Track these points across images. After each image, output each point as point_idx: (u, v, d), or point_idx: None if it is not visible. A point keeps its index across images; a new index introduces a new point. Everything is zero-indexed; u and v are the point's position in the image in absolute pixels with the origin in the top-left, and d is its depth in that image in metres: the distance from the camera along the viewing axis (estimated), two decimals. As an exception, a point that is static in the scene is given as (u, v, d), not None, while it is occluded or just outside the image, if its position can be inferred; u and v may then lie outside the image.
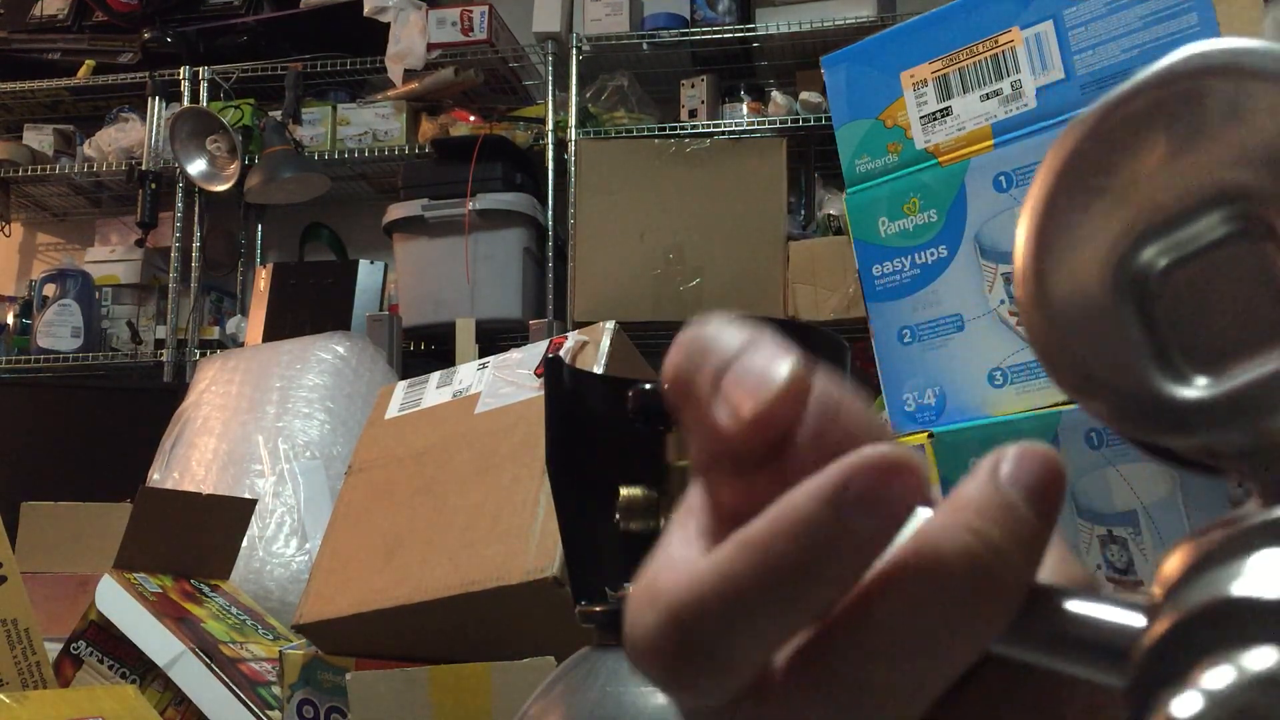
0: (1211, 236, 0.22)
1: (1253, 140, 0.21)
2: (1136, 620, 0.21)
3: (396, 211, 3.09)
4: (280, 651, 0.95)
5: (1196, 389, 0.23)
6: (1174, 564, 0.22)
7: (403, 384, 1.06)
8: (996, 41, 0.90)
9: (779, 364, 0.24)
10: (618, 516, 0.46)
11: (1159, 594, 0.21)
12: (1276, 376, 0.21)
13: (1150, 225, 0.23)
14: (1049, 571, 0.24)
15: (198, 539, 1.21)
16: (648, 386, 0.47)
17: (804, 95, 3.07)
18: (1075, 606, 0.22)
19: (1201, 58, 0.22)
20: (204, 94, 3.45)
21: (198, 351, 3.34)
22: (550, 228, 3.16)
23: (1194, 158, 0.22)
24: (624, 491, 0.47)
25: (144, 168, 3.43)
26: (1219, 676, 0.19)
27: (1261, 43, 0.22)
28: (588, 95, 3.21)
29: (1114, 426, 0.25)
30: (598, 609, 0.47)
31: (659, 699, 0.43)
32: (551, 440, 0.50)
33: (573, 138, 3.13)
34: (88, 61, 3.56)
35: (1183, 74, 0.22)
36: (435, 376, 1.04)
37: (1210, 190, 0.22)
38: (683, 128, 3.16)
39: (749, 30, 3.19)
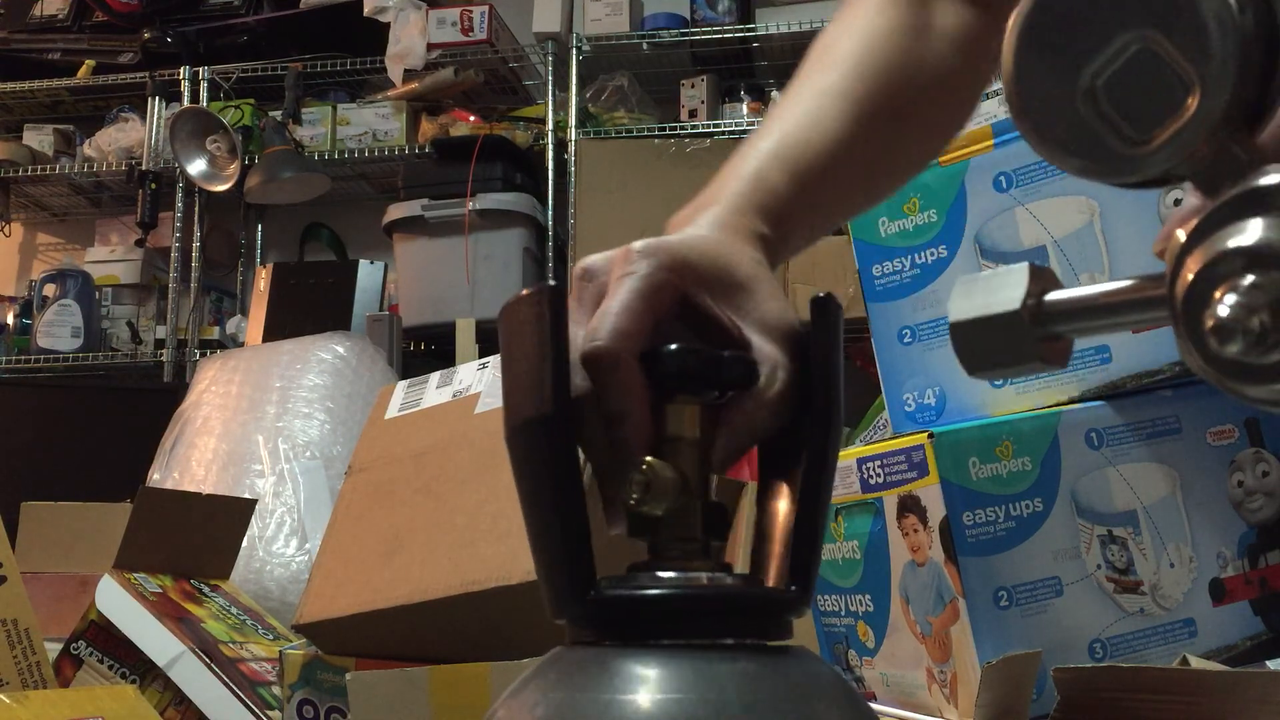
0: (1127, 53, 0.35)
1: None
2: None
3: (396, 211, 3.09)
4: (280, 651, 0.95)
5: (1142, 146, 0.35)
6: (1172, 236, 0.34)
7: (403, 384, 1.06)
8: (996, 41, 0.90)
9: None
10: (635, 495, 0.44)
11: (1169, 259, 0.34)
12: (1186, 127, 0.34)
13: (1087, 54, 0.36)
14: None
15: (198, 539, 1.21)
16: (674, 348, 0.45)
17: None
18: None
19: None
20: (204, 94, 3.45)
21: (198, 351, 3.34)
22: (550, 228, 3.16)
23: (1102, 13, 0.35)
24: (650, 464, 0.44)
25: (144, 168, 3.43)
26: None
27: None
28: (588, 95, 3.21)
29: (1094, 179, 0.37)
30: (591, 600, 0.44)
31: (635, 703, 0.40)
32: (554, 389, 0.43)
33: (573, 138, 3.13)
34: (88, 61, 3.56)
35: None
36: (435, 376, 1.04)
37: (1118, 28, 0.35)
38: (683, 128, 3.16)
39: (749, 30, 3.19)
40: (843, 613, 0.92)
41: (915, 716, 0.85)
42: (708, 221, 0.54)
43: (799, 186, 0.58)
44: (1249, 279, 0.31)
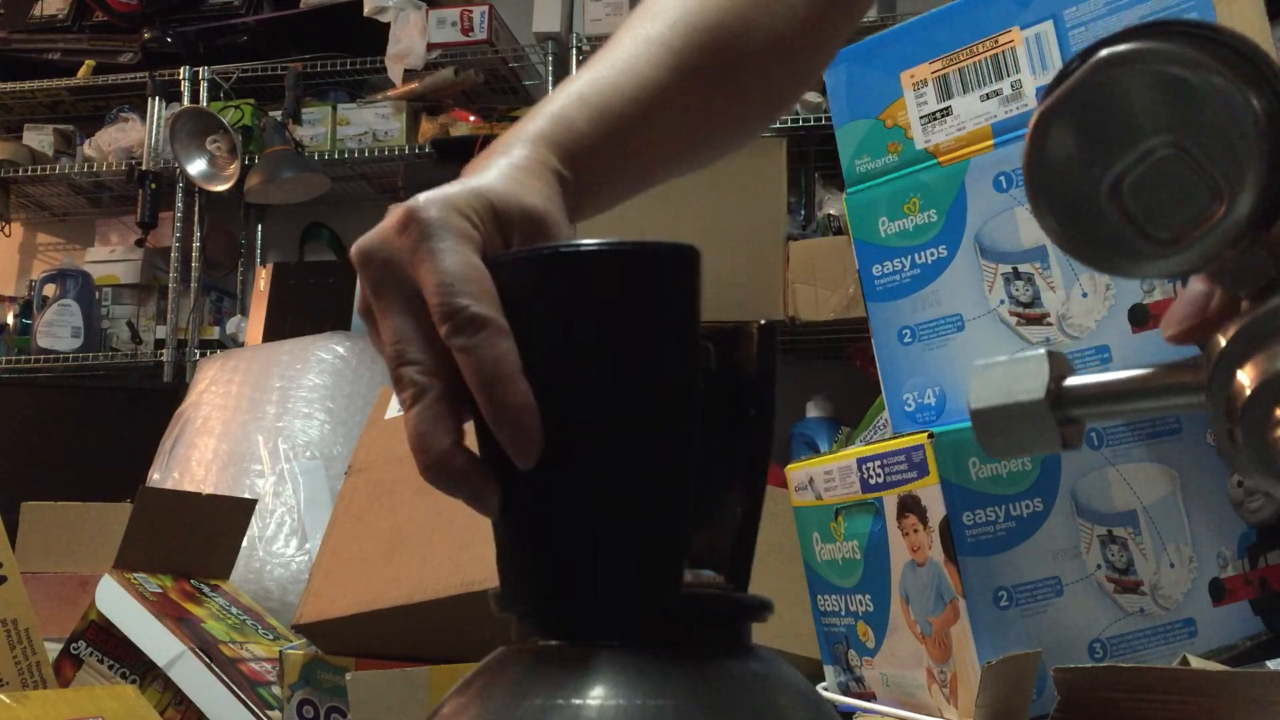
0: (1156, 156, 0.36)
1: (1157, 102, 0.36)
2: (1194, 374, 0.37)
3: (396, 211, 3.09)
4: (280, 651, 0.95)
5: (1167, 246, 0.36)
6: (1208, 332, 0.36)
7: (403, 384, 1.06)
8: (996, 41, 0.90)
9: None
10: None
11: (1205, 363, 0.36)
12: (1214, 231, 0.35)
13: (1115, 153, 0.36)
14: None
15: (198, 539, 1.21)
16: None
17: (804, 95, 3.07)
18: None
19: (1116, 54, 0.36)
20: (204, 94, 3.45)
21: (198, 351, 3.34)
22: (550, 228, 3.16)
23: (1131, 116, 0.36)
24: None
25: (144, 168, 3.43)
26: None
27: (1152, 42, 0.36)
28: (588, 95, 3.21)
29: (1109, 273, 0.39)
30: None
31: (586, 710, 0.38)
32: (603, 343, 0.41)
33: (573, 138, 3.12)
34: (88, 61, 3.56)
35: (1105, 64, 0.36)
36: (435, 376, 1.04)
37: (1148, 133, 0.36)
38: (683, 128, 3.15)
39: (749, 30, 3.18)
40: (843, 613, 0.92)
41: (915, 716, 0.85)
42: (502, 164, 0.50)
43: (604, 130, 0.56)
44: None
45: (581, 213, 0.55)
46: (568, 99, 0.57)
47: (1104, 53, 0.36)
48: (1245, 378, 0.34)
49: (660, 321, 0.41)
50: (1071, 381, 0.39)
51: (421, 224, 0.44)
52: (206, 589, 1.20)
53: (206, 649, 1.05)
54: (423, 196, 0.45)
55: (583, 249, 0.42)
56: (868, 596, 0.89)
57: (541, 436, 0.42)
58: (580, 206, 0.54)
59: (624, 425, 0.41)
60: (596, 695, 0.39)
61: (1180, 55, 0.35)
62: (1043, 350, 0.39)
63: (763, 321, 0.45)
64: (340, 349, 2.31)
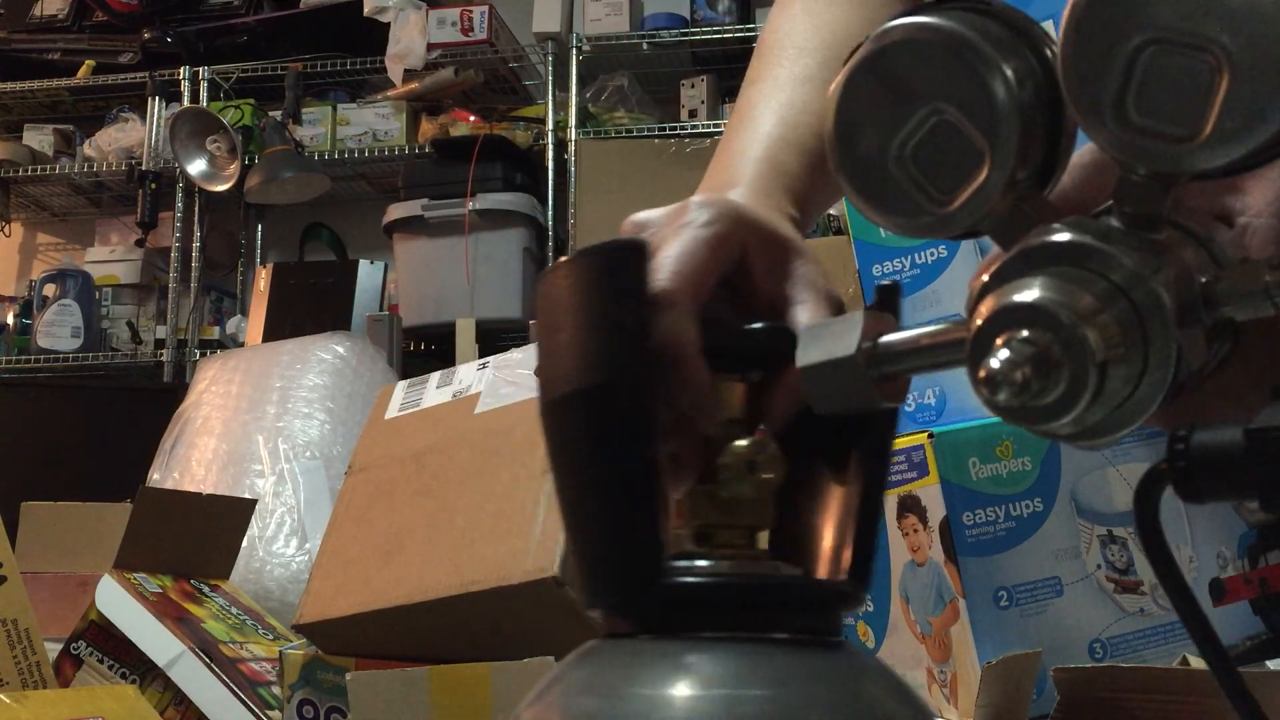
0: (930, 123, 0.39)
1: (927, 72, 0.38)
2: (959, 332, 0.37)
3: (396, 211, 3.09)
4: (280, 651, 0.95)
5: (946, 206, 0.39)
6: (976, 284, 0.37)
7: (403, 384, 1.06)
8: (996, 41, 0.90)
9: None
10: (737, 471, 0.42)
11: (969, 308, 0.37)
12: (980, 190, 0.38)
13: (898, 121, 0.39)
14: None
15: (198, 539, 1.21)
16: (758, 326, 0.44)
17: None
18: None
19: (893, 28, 0.39)
20: (204, 94, 3.45)
21: (198, 351, 3.34)
22: (550, 228, 3.16)
23: (909, 86, 0.39)
24: (759, 440, 0.43)
25: (144, 168, 3.43)
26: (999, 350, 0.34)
27: (926, 16, 0.38)
28: (588, 95, 3.21)
29: (907, 235, 0.42)
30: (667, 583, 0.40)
31: (673, 702, 0.38)
32: (634, 351, 0.41)
33: (573, 138, 3.13)
34: (88, 61, 3.56)
35: (884, 36, 0.39)
36: (435, 376, 1.04)
37: (922, 101, 0.39)
38: (683, 128, 3.16)
39: (749, 30, 3.19)
40: (843, 613, 0.92)
41: (915, 716, 0.85)
42: (739, 196, 0.52)
43: (810, 170, 0.57)
44: (1020, 333, 0.34)
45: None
46: (772, 142, 0.58)
47: (883, 27, 0.39)
48: (980, 313, 0.36)
49: (597, 316, 0.42)
50: (887, 339, 0.40)
51: (688, 210, 0.49)
52: (206, 589, 1.20)
53: (206, 649, 1.05)
54: (705, 194, 0.50)
55: (558, 262, 0.44)
56: (868, 596, 0.89)
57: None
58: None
59: (585, 421, 0.42)
60: (700, 687, 0.38)
61: (944, 28, 0.38)
62: (861, 311, 0.41)
63: (885, 282, 0.45)
64: (340, 349, 2.31)
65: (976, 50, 0.37)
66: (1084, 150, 0.42)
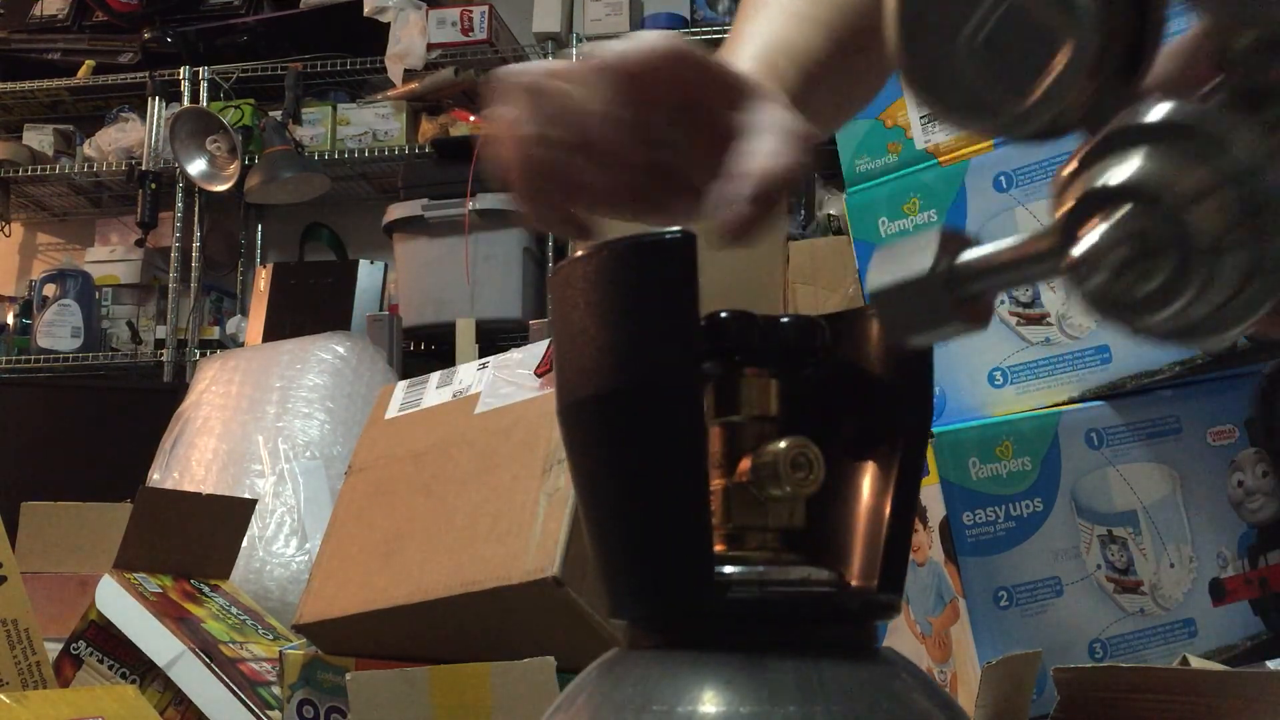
0: (1000, 9, 0.35)
1: None
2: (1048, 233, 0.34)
3: (396, 211, 3.09)
4: (280, 651, 0.95)
5: (1025, 99, 0.35)
6: (1061, 175, 0.34)
7: (403, 384, 1.06)
8: (996, 41, 0.90)
9: None
10: (795, 477, 0.40)
11: (1056, 191, 0.34)
12: (1060, 77, 0.34)
13: (964, 12, 0.36)
14: None
15: (198, 539, 1.21)
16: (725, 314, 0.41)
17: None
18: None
19: None
20: (204, 94, 3.45)
21: (198, 351, 3.34)
22: (550, 228, 3.16)
23: None
24: (780, 448, 0.40)
25: (144, 168, 3.43)
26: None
27: None
28: (588, 95, 3.21)
29: (988, 135, 0.41)
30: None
31: (697, 714, 0.36)
32: (690, 347, 0.39)
33: (573, 138, 3.12)
34: (88, 61, 3.56)
35: None
36: (435, 376, 1.04)
37: None
38: (683, 128, 3.15)
39: (749, 30, 3.18)
40: (843, 613, 0.92)
41: (915, 716, 0.85)
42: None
43: (803, 81, 0.58)
44: (1113, 212, 0.31)
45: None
46: (769, 48, 0.58)
47: None
48: (1065, 201, 0.33)
49: (645, 312, 0.40)
50: (966, 256, 0.37)
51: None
52: (206, 589, 1.20)
53: (206, 649, 1.05)
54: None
55: (584, 252, 0.41)
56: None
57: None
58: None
59: (624, 423, 0.40)
60: (721, 702, 0.37)
61: None
62: (937, 229, 0.38)
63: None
64: (340, 349, 2.31)
65: None
66: (1181, 38, 0.39)
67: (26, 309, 3.53)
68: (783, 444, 0.40)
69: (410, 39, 3.21)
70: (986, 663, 0.71)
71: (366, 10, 3.23)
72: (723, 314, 0.41)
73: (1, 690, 0.83)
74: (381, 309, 3.18)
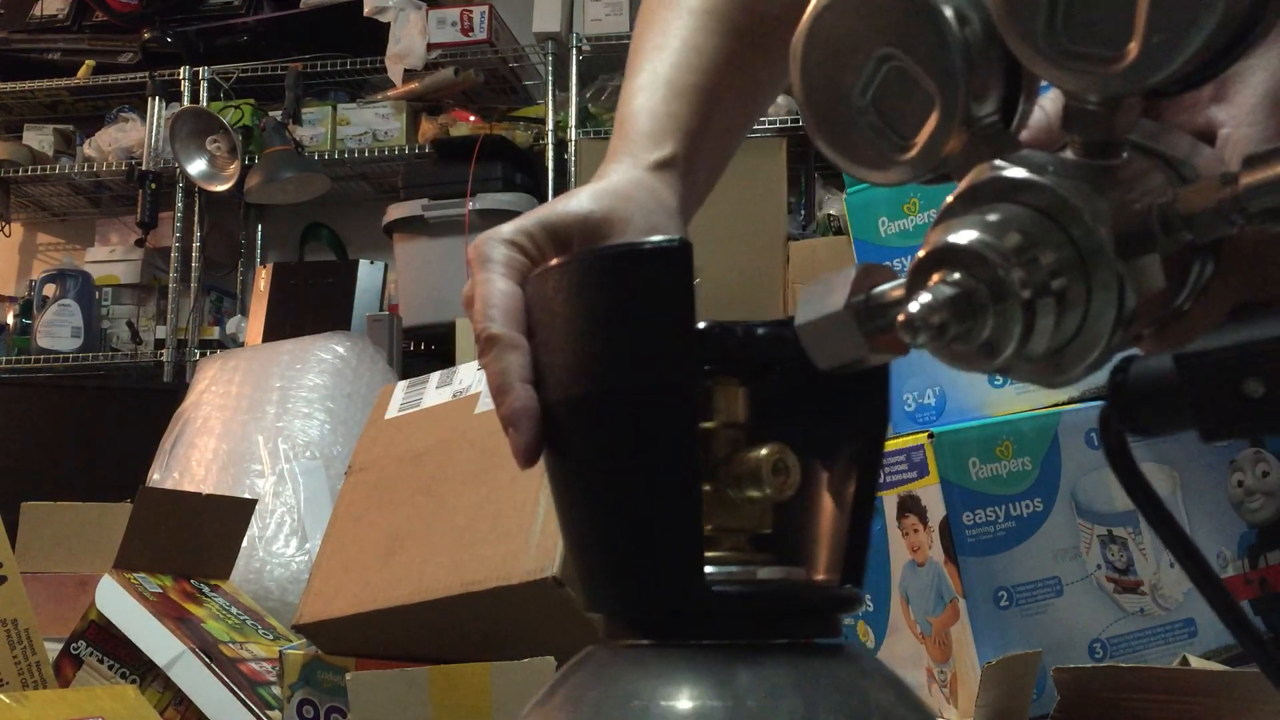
0: (883, 71, 0.38)
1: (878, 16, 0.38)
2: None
3: (396, 211, 3.09)
4: (280, 651, 0.95)
5: (907, 153, 0.38)
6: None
7: (403, 384, 1.06)
8: (996, 41, 0.90)
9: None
10: (772, 482, 0.41)
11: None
12: (935, 133, 0.37)
13: (856, 71, 0.38)
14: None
15: (198, 539, 1.21)
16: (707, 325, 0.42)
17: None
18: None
19: None
20: (204, 94, 3.45)
21: (198, 351, 3.34)
22: (550, 228, 3.15)
23: (864, 32, 0.38)
24: (761, 454, 0.42)
25: (144, 168, 3.43)
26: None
27: None
28: (588, 95, 3.21)
29: (879, 184, 0.40)
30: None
31: (677, 709, 0.37)
32: (688, 355, 0.41)
33: (573, 138, 3.13)
34: (88, 61, 3.56)
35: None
36: (435, 376, 1.04)
37: (870, 50, 0.38)
38: (683, 128, 3.15)
39: (749, 30, 3.18)
40: (843, 613, 0.92)
41: (915, 716, 0.85)
42: (591, 187, 0.55)
43: (695, 105, 0.58)
44: (946, 276, 0.33)
45: (700, 200, 0.59)
46: (652, 90, 0.59)
47: None
48: (917, 255, 0.35)
49: (645, 317, 0.41)
50: (879, 289, 0.39)
51: (476, 257, 0.49)
52: (206, 589, 1.20)
53: (206, 649, 1.05)
54: (488, 231, 0.51)
55: (573, 257, 0.43)
56: (868, 596, 0.89)
57: (534, 441, 0.43)
58: (699, 195, 0.58)
59: (623, 424, 0.41)
60: (692, 697, 0.38)
61: None
62: (853, 267, 0.41)
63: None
64: (340, 349, 2.31)
65: None
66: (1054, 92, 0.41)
67: (26, 309, 3.53)
68: (764, 450, 0.42)
69: (410, 39, 3.20)
70: (986, 663, 0.71)
71: (366, 10, 3.22)
72: (703, 324, 0.42)
73: (1, 690, 0.83)
74: (381, 309, 3.18)
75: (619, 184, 0.54)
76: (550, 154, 3.18)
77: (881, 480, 0.86)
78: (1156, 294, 0.35)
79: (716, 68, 0.60)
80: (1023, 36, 0.34)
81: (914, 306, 0.33)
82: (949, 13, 0.36)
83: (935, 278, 0.34)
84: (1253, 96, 0.39)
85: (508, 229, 0.51)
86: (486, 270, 0.48)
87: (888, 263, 0.98)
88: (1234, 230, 0.33)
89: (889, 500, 0.86)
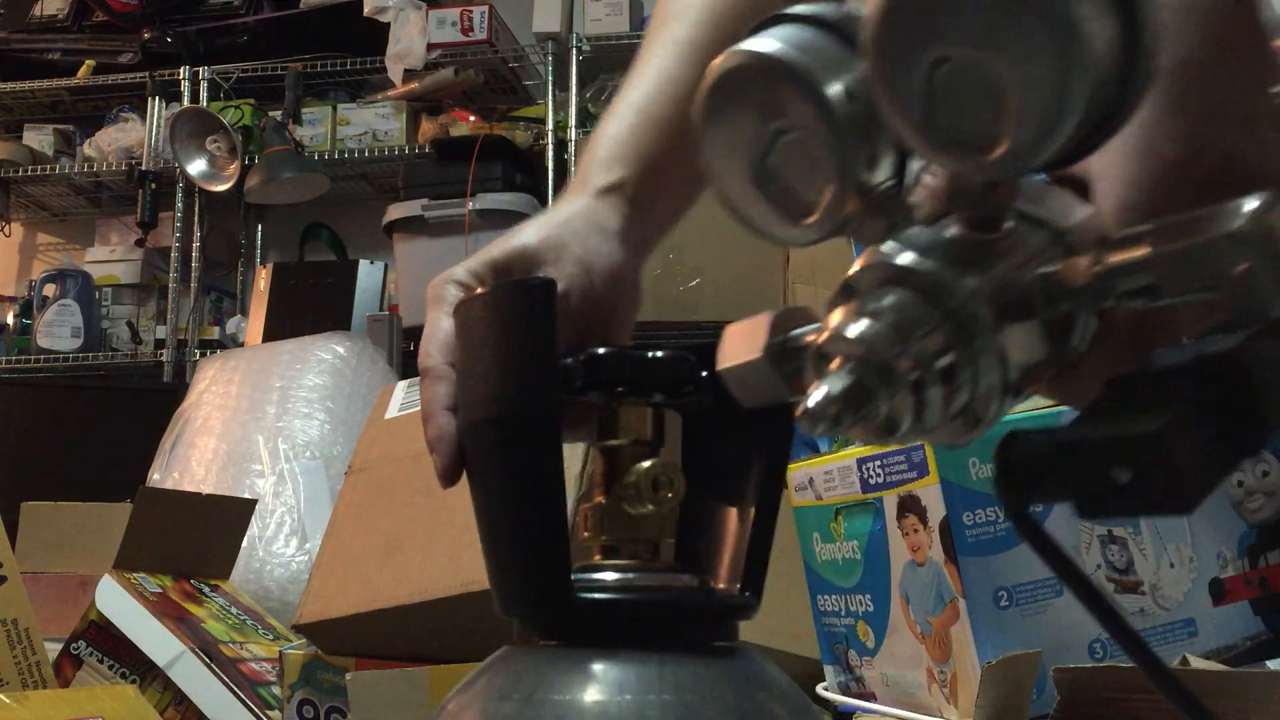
0: (778, 144, 0.39)
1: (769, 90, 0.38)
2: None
3: (396, 211, 3.09)
4: (280, 651, 0.95)
5: (805, 220, 0.39)
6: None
7: (403, 384, 1.06)
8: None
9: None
10: (649, 493, 0.45)
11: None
12: (832, 202, 0.38)
13: (750, 146, 0.40)
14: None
15: (198, 539, 1.21)
16: (602, 351, 0.46)
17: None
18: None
19: (734, 52, 0.39)
20: (204, 94, 3.45)
21: (198, 351, 3.34)
22: (550, 228, 3.16)
23: (749, 112, 0.39)
24: (663, 462, 0.45)
25: (144, 168, 3.43)
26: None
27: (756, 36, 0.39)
28: (588, 95, 3.21)
29: (781, 244, 0.42)
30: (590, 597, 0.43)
31: (582, 707, 0.41)
32: (550, 384, 0.45)
33: (573, 138, 3.13)
34: (88, 61, 3.56)
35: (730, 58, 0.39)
36: (435, 376, 1.03)
37: (764, 124, 0.39)
38: (683, 128, 3.16)
39: (749, 30, 3.18)
40: (843, 613, 0.92)
41: (915, 716, 0.85)
42: (572, 204, 0.57)
43: (663, 136, 0.59)
44: (839, 367, 0.35)
45: (660, 226, 0.60)
46: (621, 118, 0.60)
47: (723, 58, 0.40)
48: (816, 340, 0.37)
49: (509, 350, 0.45)
50: (797, 331, 0.41)
51: (431, 298, 0.53)
52: (206, 589, 1.20)
53: (206, 649, 1.05)
54: (445, 272, 0.54)
55: (468, 295, 0.49)
56: (868, 596, 0.89)
57: (452, 463, 0.48)
58: (658, 221, 0.59)
59: (495, 448, 0.45)
60: (593, 693, 0.41)
61: (762, 56, 0.38)
62: (771, 312, 0.42)
63: None
64: (340, 349, 2.31)
65: (797, 74, 0.37)
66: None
67: (26, 309, 3.53)
68: (645, 465, 0.45)
69: (410, 39, 3.20)
70: (986, 663, 0.71)
71: (366, 10, 3.23)
72: (600, 350, 0.46)
73: (1, 690, 0.83)
74: (381, 309, 3.18)
75: (562, 213, 0.56)
76: (550, 154, 3.18)
77: (882, 480, 0.86)
78: (1042, 358, 0.37)
79: (689, 97, 0.60)
80: (901, 126, 0.35)
81: (811, 402, 0.35)
82: (835, 91, 0.37)
83: (833, 365, 0.35)
84: (1122, 144, 0.40)
85: (460, 270, 0.54)
86: (435, 309, 0.53)
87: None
88: (1107, 304, 0.35)
89: (889, 500, 0.86)
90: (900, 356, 0.35)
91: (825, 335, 0.36)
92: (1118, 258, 0.34)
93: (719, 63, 0.40)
